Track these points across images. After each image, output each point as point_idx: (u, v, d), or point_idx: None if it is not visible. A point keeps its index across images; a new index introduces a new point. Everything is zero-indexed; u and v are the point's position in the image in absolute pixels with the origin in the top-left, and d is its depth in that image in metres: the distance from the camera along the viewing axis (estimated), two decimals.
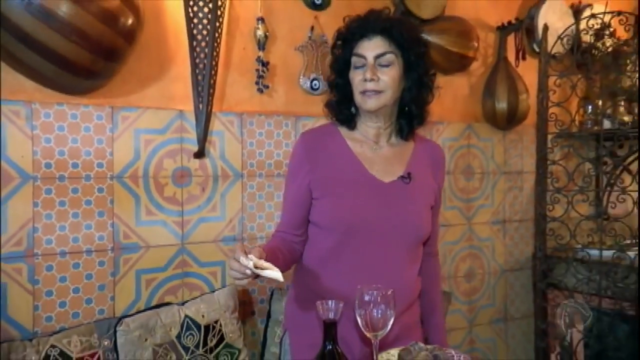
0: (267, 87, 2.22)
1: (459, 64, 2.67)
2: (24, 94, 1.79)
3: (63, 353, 1.68)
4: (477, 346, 2.80)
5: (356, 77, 1.49)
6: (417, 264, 1.58)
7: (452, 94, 2.73)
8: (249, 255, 1.27)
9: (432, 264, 1.67)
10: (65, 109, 1.86)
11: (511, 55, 2.85)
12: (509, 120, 2.80)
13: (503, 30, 2.82)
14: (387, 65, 1.48)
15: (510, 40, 2.86)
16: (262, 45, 2.18)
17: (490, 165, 2.86)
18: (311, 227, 1.56)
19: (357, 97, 1.50)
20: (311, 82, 2.33)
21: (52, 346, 1.67)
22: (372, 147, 1.56)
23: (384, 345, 1.41)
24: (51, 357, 1.66)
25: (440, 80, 2.64)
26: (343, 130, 1.57)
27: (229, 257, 1.29)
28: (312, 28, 2.32)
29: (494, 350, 2.87)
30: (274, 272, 1.26)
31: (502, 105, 2.76)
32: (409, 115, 1.56)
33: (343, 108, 1.56)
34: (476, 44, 2.67)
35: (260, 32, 2.17)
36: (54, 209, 1.84)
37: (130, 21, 1.80)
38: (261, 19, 2.17)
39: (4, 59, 1.73)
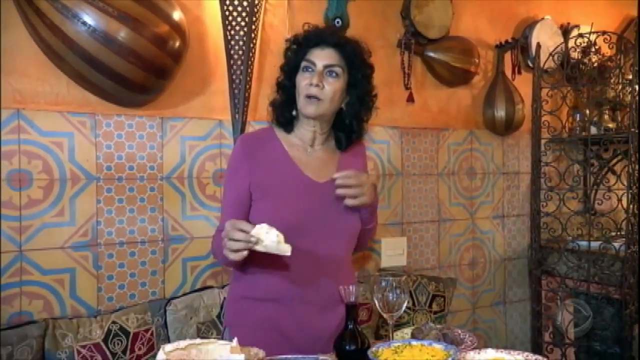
0: None
1: (462, 77, 2.66)
2: (89, 107, 1.83)
3: (122, 328, 1.71)
4: (479, 326, 2.78)
5: (303, 81, 1.40)
6: (352, 250, 1.52)
7: (456, 104, 2.71)
8: (261, 225, 1.21)
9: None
10: (123, 119, 1.89)
11: (508, 70, 2.82)
12: (507, 127, 2.78)
13: (501, 48, 2.80)
14: (333, 77, 1.40)
15: (507, 57, 2.83)
16: None
17: (490, 166, 2.84)
18: None
19: (301, 100, 1.41)
20: None
21: (113, 322, 1.70)
22: (307, 150, 1.47)
23: (322, 339, 1.38)
24: (112, 332, 1.69)
25: (446, 92, 2.67)
26: (280, 134, 1.48)
27: (223, 234, 1.23)
28: None
29: (494, 330, 2.84)
30: (286, 246, 1.21)
31: (500, 113, 2.74)
32: (348, 128, 1.48)
33: (285, 110, 1.46)
34: (477, 60, 2.66)
35: None
36: (114, 206, 1.87)
37: (177, 44, 1.82)
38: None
39: (73, 77, 1.77)
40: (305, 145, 1.47)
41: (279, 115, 1.48)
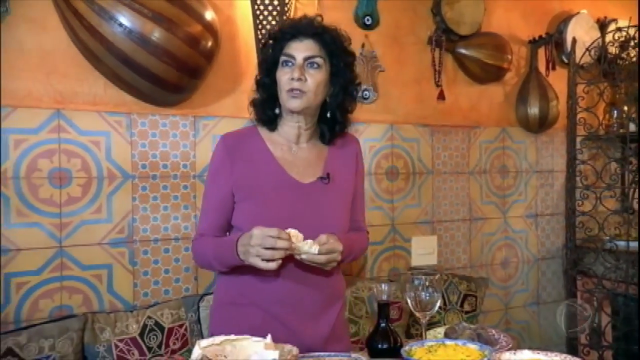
0: None
1: (495, 74, 2.61)
2: (125, 107, 1.86)
3: (157, 323, 1.73)
4: (512, 327, 2.72)
5: (283, 76, 1.33)
6: None
7: (488, 101, 2.67)
8: (306, 241, 1.22)
9: (361, 234, 1.52)
10: (157, 118, 1.93)
11: (542, 66, 2.76)
12: (541, 124, 2.72)
13: (534, 43, 2.73)
14: (314, 68, 1.33)
15: (541, 52, 2.77)
16: None
17: (523, 164, 2.78)
18: (234, 231, 1.38)
19: (283, 96, 1.34)
20: (362, 92, 2.31)
21: (149, 317, 1.73)
22: (292, 148, 1.40)
23: (314, 348, 1.30)
24: (148, 326, 1.71)
25: (477, 89, 2.63)
26: (263, 132, 1.41)
27: (255, 242, 1.19)
28: (363, 45, 2.32)
29: (528, 331, 2.78)
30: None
31: (534, 110, 2.68)
32: (332, 120, 1.41)
33: (266, 108, 1.40)
34: (510, 57, 2.61)
35: None
36: (149, 203, 1.91)
37: (210, 44, 1.84)
38: None
39: (110, 77, 1.81)
40: (289, 143, 1.41)
41: (260, 114, 1.41)
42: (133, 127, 1.88)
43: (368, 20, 2.32)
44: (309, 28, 1.35)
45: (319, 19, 1.40)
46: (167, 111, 1.94)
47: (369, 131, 2.34)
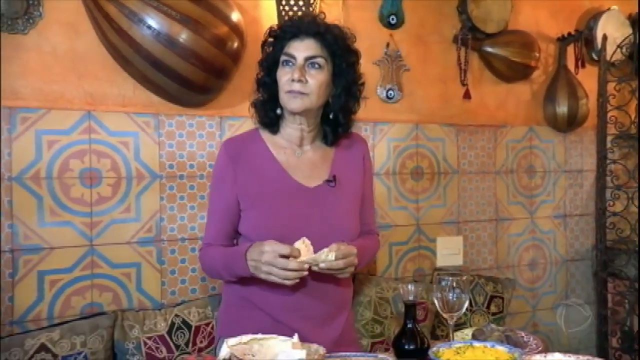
0: None
1: (522, 73, 2.57)
2: (153, 108, 1.89)
3: (185, 321, 1.75)
4: (540, 329, 2.67)
5: (284, 76, 1.30)
6: None
7: (515, 100, 2.62)
8: (322, 250, 1.20)
9: (372, 238, 1.48)
10: (184, 119, 1.95)
11: (571, 64, 2.70)
12: (570, 123, 2.66)
13: (563, 41, 2.68)
14: (316, 69, 1.29)
15: (570, 50, 2.71)
16: None
17: (551, 164, 2.72)
18: (242, 239, 1.38)
19: (283, 96, 1.31)
20: (387, 91, 2.31)
21: (176, 315, 1.75)
22: (296, 152, 1.37)
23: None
24: (176, 325, 1.73)
25: (504, 88, 2.58)
26: (266, 136, 1.38)
27: (266, 259, 1.18)
28: (388, 44, 2.30)
29: (556, 334, 2.73)
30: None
31: (562, 109, 2.62)
32: (334, 122, 1.37)
33: (268, 109, 1.36)
34: (538, 54, 2.56)
35: None
36: (176, 203, 1.93)
37: (236, 45, 1.85)
38: None
39: (139, 79, 1.83)
40: (293, 146, 1.38)
41: (262, 116, 1.38)
42: (161, 128, 1.90)
43: (393, 19, 2.31)
44: (311, 27, 1.32)
45: (321, 16, 1.37)
46: (194, 112, 1.95)
47: (393, 131, 2.32)
